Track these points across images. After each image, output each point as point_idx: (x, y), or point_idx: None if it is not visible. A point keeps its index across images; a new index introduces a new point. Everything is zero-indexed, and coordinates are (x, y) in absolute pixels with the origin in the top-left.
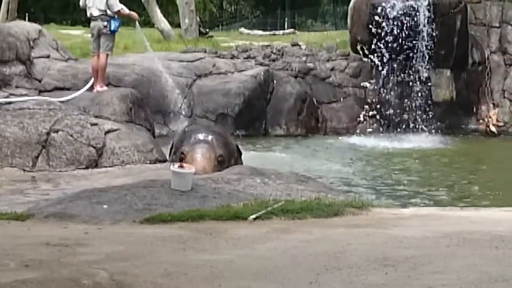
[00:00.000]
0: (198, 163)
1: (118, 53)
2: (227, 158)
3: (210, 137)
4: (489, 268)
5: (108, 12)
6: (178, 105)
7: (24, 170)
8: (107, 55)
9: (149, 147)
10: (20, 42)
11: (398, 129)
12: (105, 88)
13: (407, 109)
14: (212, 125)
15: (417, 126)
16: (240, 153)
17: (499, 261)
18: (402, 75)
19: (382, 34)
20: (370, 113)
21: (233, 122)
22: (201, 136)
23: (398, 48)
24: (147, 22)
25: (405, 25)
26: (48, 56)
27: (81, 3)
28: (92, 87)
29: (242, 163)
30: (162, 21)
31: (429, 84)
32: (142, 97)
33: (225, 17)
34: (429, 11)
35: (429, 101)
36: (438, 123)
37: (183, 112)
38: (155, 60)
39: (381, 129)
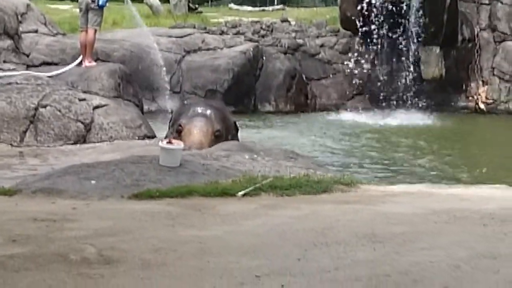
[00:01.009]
0: (195, 136)
1: (107, 28)
2: (224, 134)
3: (208, 111)
4: (478, 245)
5: None
6: (166, 82)
7: (12, 145)
8: (95, 30)
9: (138, 123)
10: (8, 16)
11: (387, 106)
12: (93, 63)
13: (396, 86)
14: (211, 100)
15: (406, 103)
16: (237, 130)
17: (488, 238)
18: (392, 52)
19: (372, 11)
20: (360, 89)
21: (222, 98)
22: (199, 110)
23: (387, 25)
24: None
25: (394, 2)
26: (36, 31)
27: None
28: (80, 63)
29: (238, 140)
30: None
31: (419, 61)
32: (131, 72)
33: None
34: None
35: (419, 78)
36: (427, 100)
37: (168, 87)
38: (149, 36)
39: (370, 106)
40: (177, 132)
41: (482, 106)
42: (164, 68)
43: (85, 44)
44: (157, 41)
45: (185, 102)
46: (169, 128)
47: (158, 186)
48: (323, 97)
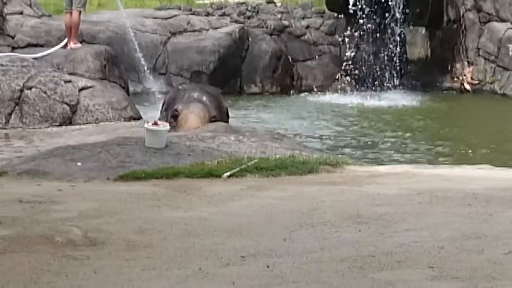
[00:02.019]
0: (192, 121)
1: (92, 10)
2: (220, 120)
3: (204, 97)
4: (462, 226)
5: None
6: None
7: None
8: (80, 12)
9: (124, 105)
10: None
11: (373, 87)
12: (78, 45)
13: (382, 67)
14: (206, 86)
15: (392, 84)
16: (228, 116)
17: (472, 218)
18: (377, 32)
19: None
20: (345, 71)
21: (207, 80)
22: (195, 95)
23: (373, 6)
24: None
25: None
26: (21, 13)
27: None
28: (66, 45)
29: None
30: None
31: (404, 42)
32: (117, 54)
33: None
34: None
35: (404, 59)
36: (413, 81)
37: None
38: (124, 18)
39: (356, 87)
40: (173, 117)
41: (467, 86)
42: (137, 48)
43: (70, 26)
44: (142, 23)
45: (179, 87)
46: (161, 112)
47: (144, 168)
48: (308, 79)
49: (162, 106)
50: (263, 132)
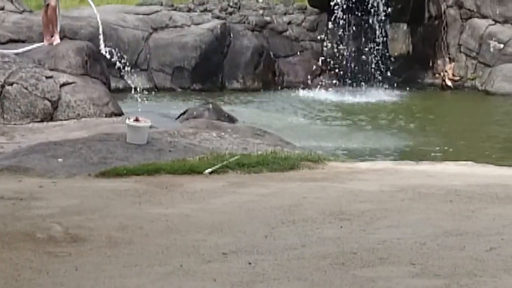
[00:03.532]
0: None
1: (74, 5)
2: None
3: None
4: (444, 222)
5: None
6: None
7: None
8: (47, 5)
9: (105, 101)
10: None
11: (355, 83)
12: (53, 40)
13: (363, 63)
14: None
15: (373, 80)
16: None
17: (454, 215)
18: (359, 29)
19: None
20: (327, 66)
21: (189, 76)
22: None
23: (354, 2)
24: None
25: None
26: (2, 8)
27: None
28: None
29: None
30: None
31: (386, 38)
32: (98, 50)
33: None
34: None
35: (386, 55)
36: (395, 77)
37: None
38: (96, 15)
39: (337, 83)
40: None
41: (449, 83)
42: (102, 42)
43: (45, 22)
44: (124, 19)
45: None
46: None
47: (125, 164)
48: (290, 75)
49: None
50: (244, 128)
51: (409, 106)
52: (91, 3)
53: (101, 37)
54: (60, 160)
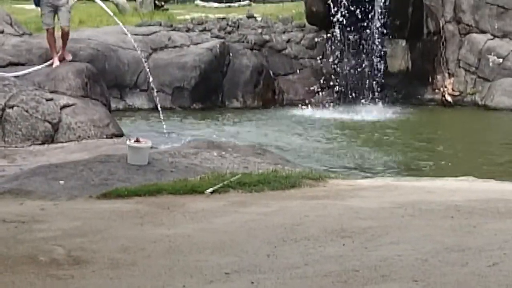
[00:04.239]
0: None
1: (73, 27)
2: None
3: None
4: (445, 238)
5: None
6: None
7: None
8: (45, 30)
9: (106, 122)
10: None
11: (354, 100)
12: (55, 62)
13: (363, 80)
14: None
15: (373, 97)
16: None
17: (455, 231)
18: (358, 46)
19: (337, 5)
20: (327, 84)
21: (189, 95)
22: None
23: (353, 19)
24: None
25: None
26: (2, 31)
27: None
28: (51, 64)
29: None
30: None
31: (385, 54)
32: (98, 71)
33: None
34: None
35: (385, 72)
36: (394, 94)
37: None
38: (125, 32)
39: (337, 100)
40: None
41: (448, 98)
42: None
43: (51, 43)
44: (123, 40)
45: None
46: None
47: (127, 185)
48: (290, 93)
49: None
50: (245, 147)
51: (409, 122)
52: (99, 2)
53: None
54: (61, 182)
